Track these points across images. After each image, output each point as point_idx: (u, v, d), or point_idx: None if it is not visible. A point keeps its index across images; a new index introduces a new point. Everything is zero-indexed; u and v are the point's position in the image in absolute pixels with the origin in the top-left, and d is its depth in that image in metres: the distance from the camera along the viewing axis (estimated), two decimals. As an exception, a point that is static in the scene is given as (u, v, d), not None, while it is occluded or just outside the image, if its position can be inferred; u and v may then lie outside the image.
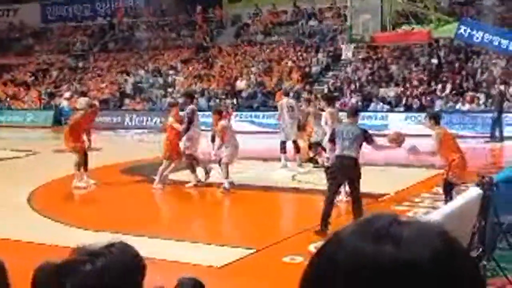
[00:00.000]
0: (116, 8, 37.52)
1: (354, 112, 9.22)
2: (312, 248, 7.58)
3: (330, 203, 8.53)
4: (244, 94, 26.83)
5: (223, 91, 27.36)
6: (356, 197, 8.60)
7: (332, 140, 8.88)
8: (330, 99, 12.53)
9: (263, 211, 10.81)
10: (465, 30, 14.98)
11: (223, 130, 11.77)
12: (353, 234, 0.83)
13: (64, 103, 30.24)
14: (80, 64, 34.59)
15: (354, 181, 8.60)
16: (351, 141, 8.52)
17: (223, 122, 12.03)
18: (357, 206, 8.53)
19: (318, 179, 12.41)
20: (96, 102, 19.41)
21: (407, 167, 13.47)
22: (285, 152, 14.26)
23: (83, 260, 1.51)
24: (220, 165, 11.83)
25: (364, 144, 8.76)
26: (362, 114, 22.45)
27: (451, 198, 8.45)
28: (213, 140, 13.05)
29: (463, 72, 23.46)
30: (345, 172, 8.61)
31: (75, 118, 13.40)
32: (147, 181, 13.07)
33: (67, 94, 31.20)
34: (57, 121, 28.83)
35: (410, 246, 0.80)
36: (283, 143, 14.33)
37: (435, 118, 9.39)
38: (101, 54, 34.98)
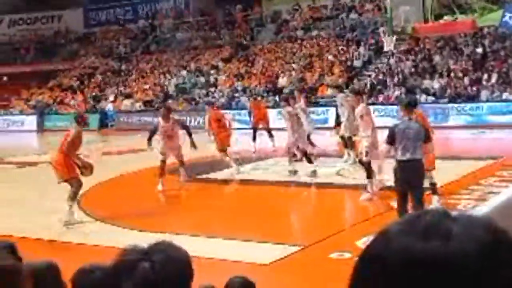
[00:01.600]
0: (156, 10, 37.97)
1: (408, 105, 8.01)
2: (360, 244, 7.54)
3: (400, 213, 7.64)
4: (285, 91, 26.78)
5: (265, 88, 27.39)
6: (418, 200, 7.62)
7: (390, 141, 7.82)
8: (359, 94, 11.62)
9: (309, 207, 10.79)
10: (510, 17, 14.65)
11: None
12: (401, 231, 0.82)
13: (109, 106, 30.87)
14: (123, 67, 35.11)
15: (416, 187, 7.67)
16: (412, 140, 7.61)
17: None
18: (418, 206, 7.54)
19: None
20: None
21: (453, 159, 13.24)
22: (351, 148, 13.80)
23: (139, 258, 1.54)
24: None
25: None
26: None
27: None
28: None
29: (510, 61, 22.93)
30: (407, 178, 7.66)
31: (72, 137, 9.96)
32: (191, 181, 13.18)
33: (111, 97, 31.81)
34: (103, 124, 29.40)
35: (458, 241, 0.79)
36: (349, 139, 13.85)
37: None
38: (143, 56, 35.45)
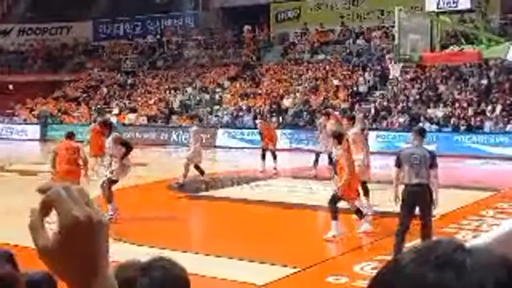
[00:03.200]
0: (165, 26, 38.24)
1: (419, 133, 8.34)
2: (358, 269, 7.51)
3: (398, 235, 7.85)
4: (290, 112, 26.87)
5: (269, 109, 27.47)
6: (427, 224, 7.91)
7: (398, 165, 8.10)
8: (352, 119, 11.89)
9: (308, 229, 10.76)
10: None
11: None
12: (414, 260, 0.80)
13: (113, 119, 30.93)
14: (130, 81, 35.26)
15: (425, 209, 7.92)
16: (420, 166, 7.85)
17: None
18: (426, 232, 7.84)
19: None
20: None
21: (455, 188, 13.22)
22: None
23: (139, 274, 1.52)
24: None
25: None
26: (407, 134, 22.50)
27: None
28: None
29: (514, 93, 23.00)
30: (414, 202, 7.93)
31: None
32: (192, 197, 13.17)
33: (116, 110, 31.88)
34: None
35: (472, 274, 0.77)
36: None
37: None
38: (150, 71, 35.61)
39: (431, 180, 7.98)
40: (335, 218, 9.23)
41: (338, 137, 9.58)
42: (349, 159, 9.44)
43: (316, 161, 15.75)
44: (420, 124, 21.73)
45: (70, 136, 11.89)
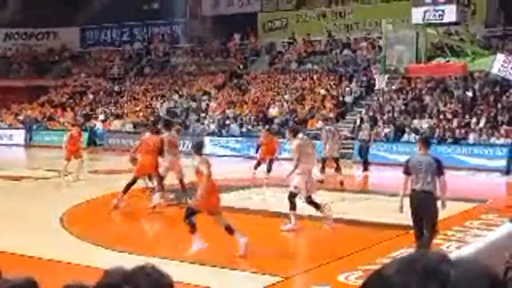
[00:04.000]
0: (153, 34, 38.21)
1: (425, 142, 8.75)
2: (342, 278, 7.52)
3: (418, 239, 8.21)
4: (276, 121, 26.92)
5: (256, 117, 27.50)
6: (428, 234, 8.16)
7: (407, 172, 8.38)
8: (295, 131, 11.77)
9: (292, 239, 10.77)
10: (501, 66, 14.86)
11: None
12: (399, 272, 0.81)
13: (99, 125, 30.83)
14: (116, 88, 35.16)
15: (428, 218, 8.15)
16: (425, 173, 8.14)
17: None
18: (425, 242, 8.05)
19: (347, 209, 12.40)
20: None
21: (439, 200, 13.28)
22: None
23: (119, 283, 1.51)
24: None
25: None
26: (393, 145, 22.66)
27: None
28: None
29: (499, 105, 23.20)
30: (420, 208, 8.17)
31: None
32: (177, 205, 13.12)
33: (101, 117, 31.78)
34: (92, 142, 29.31)
35: (456, 286, 0.77)
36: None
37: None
38: (136, 78, 35.54)
39: (439, 186, 8.24)
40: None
41: None
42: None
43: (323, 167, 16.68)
44: (386, 132, 22.01)
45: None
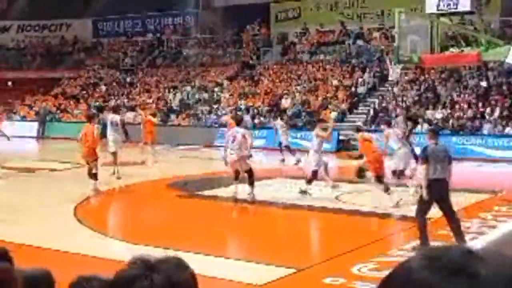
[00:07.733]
0: (165, 24, 38.21)
1: (434, 132, 9.37)
2: (355, 270, 7.51)
3: (423, 226, 8.58)
4: (288, 113, 26.84)
5: (268, 108, 27.45)
6: (451, 215, 8.66)
7: (426, 161, 8.61)
8: (239, 120, 13.55)
9: (306, 230, 10.76)
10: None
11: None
12: (425, 267, 0.78)
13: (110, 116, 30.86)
14: (129, 79, 35.22)
15: (445, 200, 8.62)
16: (442, 162, 8.56)
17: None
18: (456, 226, 8.60)
19: (362, 201, 12.37)
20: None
21: (452, 191, 13.20)
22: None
23: (141, 274, 1.47)
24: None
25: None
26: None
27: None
28: None
29: (513, 96, 23.01)
30: (437, 196, 8.59)
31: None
32: (191, 196, 13.16)
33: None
34: (105, 135, 29.36)
35: (486, 282, 0.75)
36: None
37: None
38: (149, 70, 35.57)
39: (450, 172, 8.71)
40: None
41: None
42: None
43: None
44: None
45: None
